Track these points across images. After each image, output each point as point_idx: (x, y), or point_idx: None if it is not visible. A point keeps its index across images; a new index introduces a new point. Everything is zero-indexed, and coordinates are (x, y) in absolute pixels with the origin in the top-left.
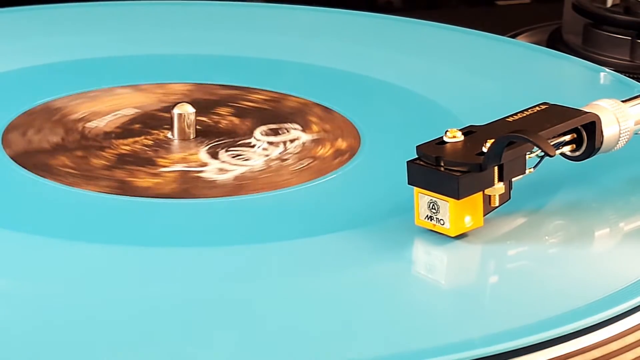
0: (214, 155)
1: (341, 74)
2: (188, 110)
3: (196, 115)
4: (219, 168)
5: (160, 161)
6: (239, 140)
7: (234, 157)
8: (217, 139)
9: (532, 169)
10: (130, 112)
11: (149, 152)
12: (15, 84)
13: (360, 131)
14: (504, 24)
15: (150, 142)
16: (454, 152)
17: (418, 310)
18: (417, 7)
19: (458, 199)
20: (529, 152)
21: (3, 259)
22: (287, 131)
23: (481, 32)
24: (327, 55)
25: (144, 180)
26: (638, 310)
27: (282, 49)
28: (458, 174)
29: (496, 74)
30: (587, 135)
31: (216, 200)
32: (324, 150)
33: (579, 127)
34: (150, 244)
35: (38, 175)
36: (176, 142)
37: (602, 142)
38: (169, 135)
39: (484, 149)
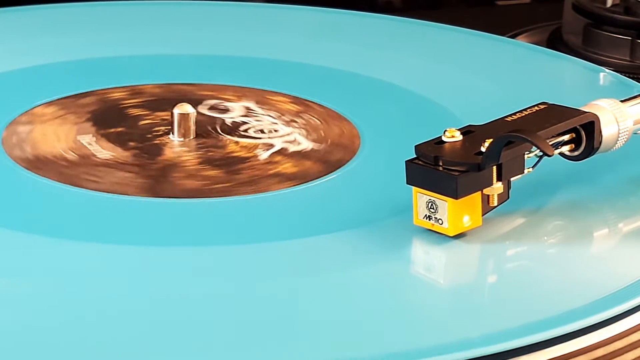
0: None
1: (341, 74)
2: (188, 110)
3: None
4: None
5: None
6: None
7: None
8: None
9: (530, 169)
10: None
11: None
12: (16, 84)
13: (360, 131)
14: (504, 24)
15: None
16: (453, 151)
17: (417, 310)
18: (417, 7)
19: (456, 198)
20: (527, 152)
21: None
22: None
23: (481, 32)
24: (327, 55)
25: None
26: (638, 310)
27: (282, 49)
28: (456, 173)
29: (496, 74)
30: (585, 135)
31: (216, 200)
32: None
33: (578, 126)
34: (150, 244)
35: (38, 175)
36: (176, 142)
37: (600, 142)
38: (170, 135)
39: (483, 149)
